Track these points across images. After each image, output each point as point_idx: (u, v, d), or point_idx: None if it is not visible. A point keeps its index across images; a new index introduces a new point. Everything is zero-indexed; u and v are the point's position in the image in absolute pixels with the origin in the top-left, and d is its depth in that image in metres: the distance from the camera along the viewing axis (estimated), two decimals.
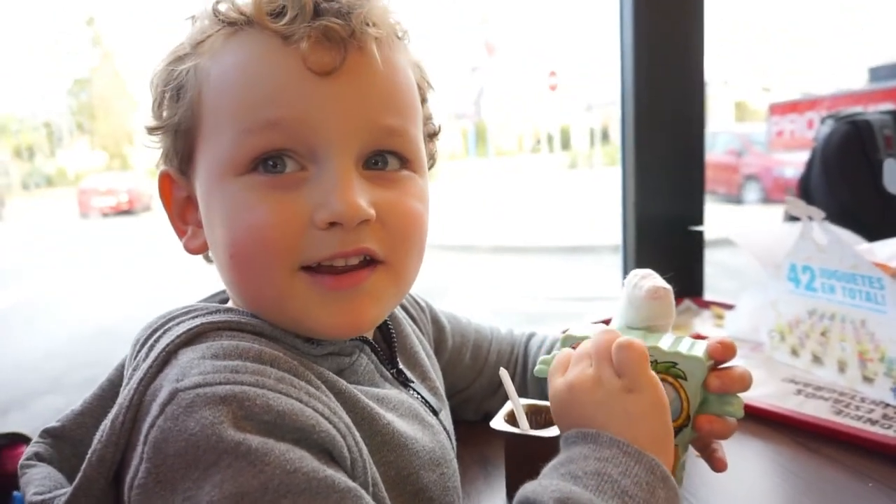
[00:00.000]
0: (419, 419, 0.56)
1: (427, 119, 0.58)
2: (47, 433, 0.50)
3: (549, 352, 0.77)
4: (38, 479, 0.45)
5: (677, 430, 0.54)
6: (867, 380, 0.85)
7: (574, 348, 0.57)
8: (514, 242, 7.72)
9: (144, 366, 0.44)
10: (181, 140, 0.51)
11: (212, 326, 0.46)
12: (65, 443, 0.50)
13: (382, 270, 0.50)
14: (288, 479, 0.38)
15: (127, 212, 11.92)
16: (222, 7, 0.49)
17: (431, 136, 0.60)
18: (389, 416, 0.52)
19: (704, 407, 0.55)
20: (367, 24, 0.47)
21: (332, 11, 0.46)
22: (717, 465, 0.57)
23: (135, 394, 0.43)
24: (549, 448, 0.62)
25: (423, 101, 0.57)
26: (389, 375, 0.58)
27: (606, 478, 0.42)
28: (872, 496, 0.64)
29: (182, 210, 0.54)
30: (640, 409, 0.47)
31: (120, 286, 6.29)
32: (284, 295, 0.48)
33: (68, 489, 0.43)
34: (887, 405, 0.80)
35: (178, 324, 0.48)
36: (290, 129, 0.46)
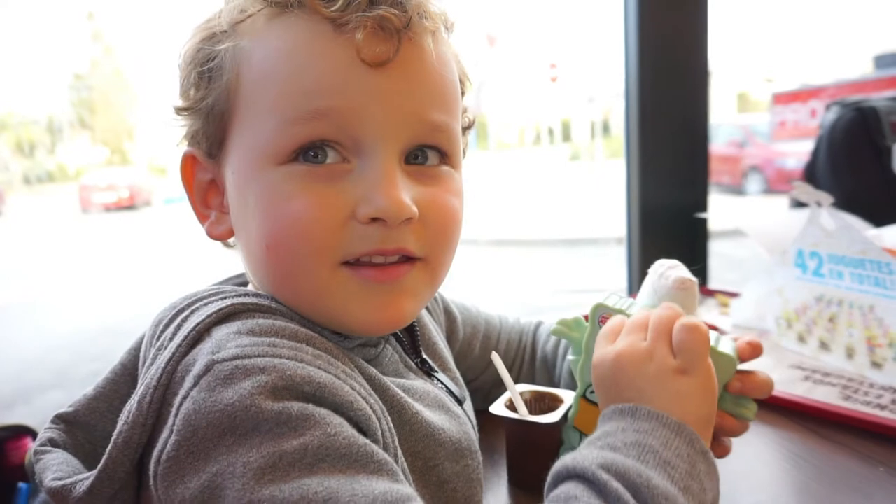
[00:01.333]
0: (445, 409, 0.55)
1: (463, 112, 0.56)
2: (60, 418, 0.49)
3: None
4: (55, 464, 0.44)
5: None
6: (876, 365, 0.84)
7: (603, 320, 0.56)
8: (517, 235, 7.71)
9: (173, 344, 0.43)
10: (213, 123, 0.49)
11: (243, 307, 0.45)
12: (78, 428, 0.49)
13: (420, 267, 0.49)
14: (328, 442, 0.37)
15: (128, 207, 11.93)
16: None
17: (465, 128, 0.58)
18: (418, 406, 0.51)
19: (719, 403, 0.54)
20: (422, 16, 0.46)
21: (386, 0, 0.44)
22: (720, 451, 0.56)
23: (163, 373, 0.42)
24: (549, 434, 0.62)
25: (462, 94, 0.55)
26: (414, 365, 0.57)
27: (647, 448, 0.41)
28: (883, 481, 0.63)
29: (204, 193, 0.53)
30: (689, 392, 0.46)
31: (121, 279, 6.30)
32: (323, 289, 0.47)
33: (90, 473, 0.42)
34: None
35: (206, 304, 0.46)
36: (338, 121, 0.45)
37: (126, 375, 0.52)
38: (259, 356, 0.40)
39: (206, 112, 0.49)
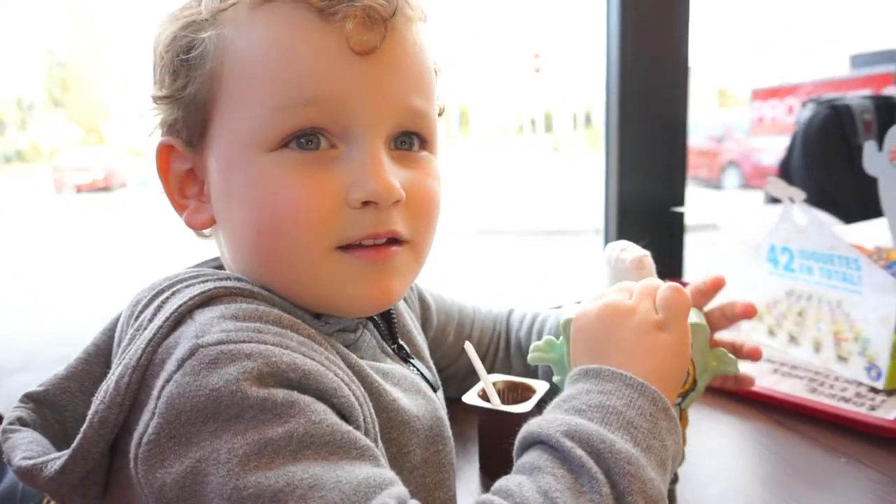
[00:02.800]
0: (421, 393, 0.56)
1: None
2: (29, 398, 0.48)
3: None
4: (24, 443, 0.44)
5: (685, 395, 0.59)
6: (842, 359, 0.86)
7: None
8: (497, 225, 7.72)
9: (154, 326, 0.43)
10: (194, 112, 0.49)
11: (225, 291, 0.45)
12: (47, 408, 0.48)
13: (407, 249, 0.51)
14: (313, 429, 0.38)
15: (102, 189, 11.70)
16: None
17: (437, 115, 0.60)
18: (395, 393, 0.52)
19: (708, 369, 0.59)
20: (406, 5, 0.47)
21: None
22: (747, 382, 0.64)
23: (143, 353, 0.41)
24: (521, 423, 0.62)
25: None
26: (390, 351, 0.58)
27: (611, 409, 0.43)
28: (845, 471, 0.65)
29: (181, 183, 0.52)
30: (665, 348, 0.48)
31: (94, 262, 6.19)
32: (318, 272, 0.48)
33: (62, 453, 0.41)
34: (860, 384, 0.82)
35: (187, 286, 0.46)
36: (328, 108, 0.46)
37: (99, 356, 0.51)
38: (245, 342, 0.40)
39: (187, 101, 0.48)
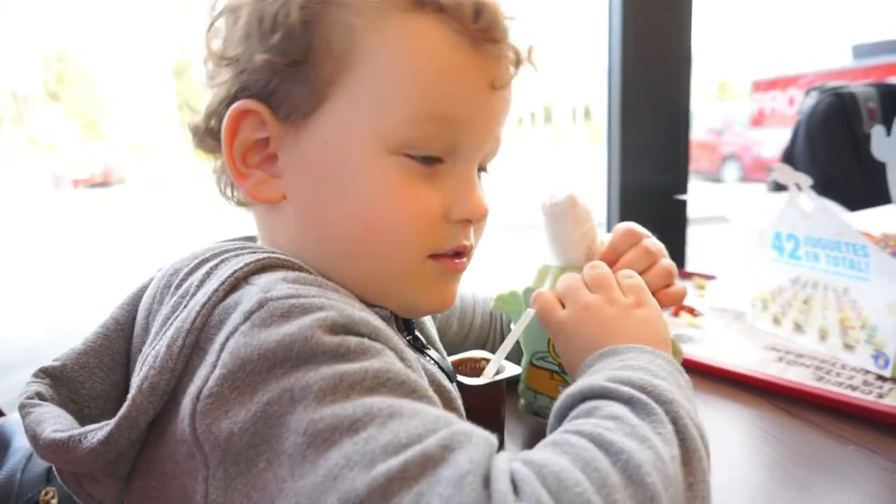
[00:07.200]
0: (437, 384, 0.55)
1: None
2: (44, 373, 0.45)
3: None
4: (51, 417, 0.41)
5: None
6: (848, 347, 0.85)
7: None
8: (494, 219, 7.71)
9: (207, 290, 0.41)
10: (307, 88, 0.46)
11: (278, 262, 0.44)
12: (63, 385, 0.45)
13: (468, 260, 0.55)
14: (388, 367, 0.38)
15: (101, 184, 11.67)
16: None
17: None
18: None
19: None
20: (528, 56, 0.52)
21: (508, 35, 0.49)
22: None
23: (198, 316, 0.40)
24: (481, 395, 0.62)
25: None
26: (406, 342, 0.57)
27: (637, 367, 0.45)
28: (852, 458, 0.65)
29: (245, 151, 0.49)
30: (649, 319, 0.53)
31: (94, 256, 6.19)
32: (407, 275, 0.51)
33: (105, 423, 0.39)
34: (867, 372, 0.81)
35: (236, 255, 0.45)
36: (457, 129, 0.49)
37: (118, 331, 0.49)
38: (314, 297, 0.40)
39: (301, 75, 0.46)
